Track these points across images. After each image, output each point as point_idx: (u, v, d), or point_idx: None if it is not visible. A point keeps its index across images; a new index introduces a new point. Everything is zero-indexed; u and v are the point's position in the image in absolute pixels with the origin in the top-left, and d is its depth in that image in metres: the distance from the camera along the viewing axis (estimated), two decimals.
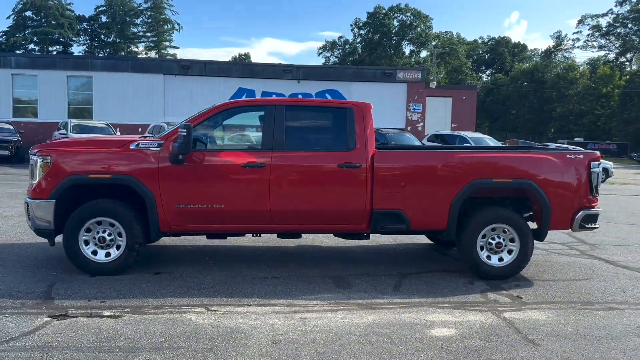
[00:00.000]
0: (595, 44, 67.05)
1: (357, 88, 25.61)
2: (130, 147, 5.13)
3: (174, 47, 65.55)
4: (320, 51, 71.86)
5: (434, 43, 63.39)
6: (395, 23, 64.56)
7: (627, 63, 64.35)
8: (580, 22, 67.13)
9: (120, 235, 5.11)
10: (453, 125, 27.55)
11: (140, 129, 22.05)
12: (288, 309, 4.38)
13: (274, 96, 24.09)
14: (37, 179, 5.07)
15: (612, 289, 5.25)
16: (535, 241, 5.51)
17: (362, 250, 6.75)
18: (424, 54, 65.47)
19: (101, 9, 60.94)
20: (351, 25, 67.75)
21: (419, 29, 63.83)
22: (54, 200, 4.97)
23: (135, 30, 63.26)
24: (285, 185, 5.21)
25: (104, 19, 61.47)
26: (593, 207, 5.47)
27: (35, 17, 57.19)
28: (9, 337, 3.60)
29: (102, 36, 62.68)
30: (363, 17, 66.34)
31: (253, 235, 6.02)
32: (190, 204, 5.10)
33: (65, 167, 5.01)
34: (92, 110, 24.32)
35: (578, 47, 70.19)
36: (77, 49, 62.54)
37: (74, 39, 60.21)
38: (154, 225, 5.09)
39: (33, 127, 23.27)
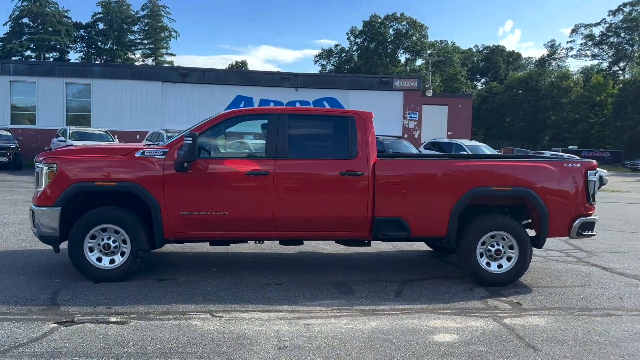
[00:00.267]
0: (588, 52, 67.84)
1: (355, 96, 25.79)
2: (136, 155, 5.19)
3: (171, 55, 65.69)
4: (316, 59, 72.32)
5: (429, 51, 63.86)
6: (391, 32, 65.06)
7: (620, 72, 65.02)
8: (574, 31, 67.89)
9: (124, 242, 5.16)
10: (449, 133, 27.73)
11: (138, 136, 22.13)
12: (292, 315, 4.43)
13: (272, 104, 24.24)
14: (43, 186, 5.12)
15: (609, 295, 5.34)
16: (533, 248, 5.60)
17: (362, 257, 6.82)
18: (419, 62, 66.01)
19: (98, 16, 61.04)
20: (347, 33, 68.30)
21: (414, 37, 64.33)
22: (59, 208, 5.02)
23: (132, 37, 63.34)
24: (289, 192, 5.28)
25: (101, 26, 61.54)
26: (590, 215, 5.57)
27: (32, 24, 57.19)
28: (18, 342, 3.64)
29: (99, 43, 62.67)
30: (359, 25, 66.91)
31: (255, 242, 6.09)
32: (194, 211, 5.16)
33: (71, 174, 5.07)
34: (91, 118, 24.37)
35: (572, 56, 70.81)
36: (73, 56, 62.71)
37: (70, 46, 60.22)
38: (159, 232, 5.15)
39: (31, 134, 23.28)
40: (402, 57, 67.23)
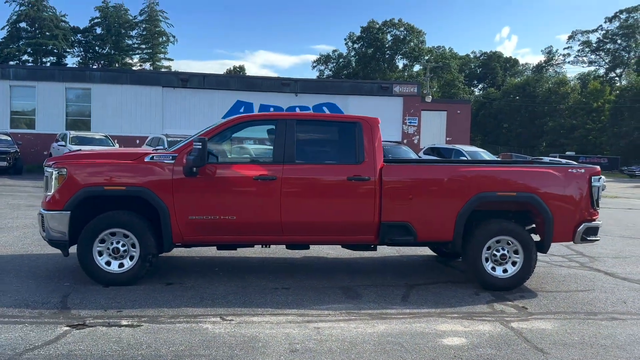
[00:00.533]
0: (585, 59, 68.32)
1: (354, 101, 25.92)
2: (145, 160, 5.23)
3: (169, 59, 65.76)
4: (314, 64, 72.56)
5: (427, 57, 64.16)
6: (389, 37, 65.34)
7: (617, 78, 65.46)
8: (571, 37, 68.40)
9: (133, 246, 5.20)
10: (448, 138, 27.85)
11: (138, 141, 22.14)
12: (301, 318, 4.47)
13: (272, 109, 24.31)
14: (52, 190, 5.15)
15: (613, 299, 5.40)
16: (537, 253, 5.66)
17: (367, 261, 6.87)
18: (417, 68, 66.24)
19: (96, 20, 61.06)
20: (345, 39, 68.53)
21: (412, 43, 64.65)
22: (69, 212, 5.05)
23: (130, 42, 63.39)
24: (296, 197, 5.33)
25: (98, 30, 61.53)
26: (594, 220, 5.64)
27: (29, 29, 57.16)
28: (33, 345, 3.67)
29: (96, 48, 62.67)
30: (357, 31, 67.20)
31: (262, 247, 6.13)
32: (203, 216, 5.20)
33: (81, 179, 5.11)
34: (90, 122, 24.39)
35: (569, 62, 71.26)
36: (71, 61, 62.67)
37: (68, 50, 60.19)
38: (167, 236, 5.19)
39: (30, 139, 23.28)
40: (400, 63, 67.59)
